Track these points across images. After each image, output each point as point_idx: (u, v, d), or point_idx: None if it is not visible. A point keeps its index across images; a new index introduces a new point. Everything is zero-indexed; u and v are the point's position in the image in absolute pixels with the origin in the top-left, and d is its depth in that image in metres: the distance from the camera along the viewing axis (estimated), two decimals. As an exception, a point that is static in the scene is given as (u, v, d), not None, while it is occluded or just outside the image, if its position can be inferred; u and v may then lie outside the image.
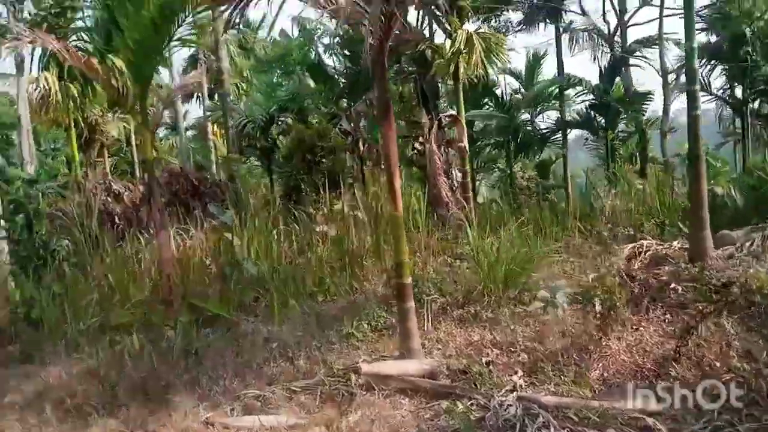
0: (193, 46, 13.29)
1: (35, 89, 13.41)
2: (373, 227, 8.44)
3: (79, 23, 14.71)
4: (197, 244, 8.74)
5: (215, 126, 22.38)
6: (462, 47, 8.96)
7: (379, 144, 14.57)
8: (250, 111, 16.34)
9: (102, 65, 7.46)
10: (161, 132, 35.10)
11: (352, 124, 12.20)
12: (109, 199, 11.33)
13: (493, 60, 10.09)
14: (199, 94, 28.52)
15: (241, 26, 27.06)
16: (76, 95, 14.20)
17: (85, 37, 15.86)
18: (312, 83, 15.76)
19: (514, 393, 4.34)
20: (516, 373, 4.73)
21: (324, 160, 10.46)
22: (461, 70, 9.91)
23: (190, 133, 41.39)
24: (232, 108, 15.49)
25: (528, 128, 15.83)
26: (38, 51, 14.17)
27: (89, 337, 6.71)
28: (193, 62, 23.86)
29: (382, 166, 14.46)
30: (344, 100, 14.45)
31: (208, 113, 18.18)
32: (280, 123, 16.34)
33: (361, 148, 13.54)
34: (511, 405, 4.04)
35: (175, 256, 7.82)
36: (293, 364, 5.55)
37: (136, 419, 4.86)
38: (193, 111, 38.42)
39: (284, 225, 9.23)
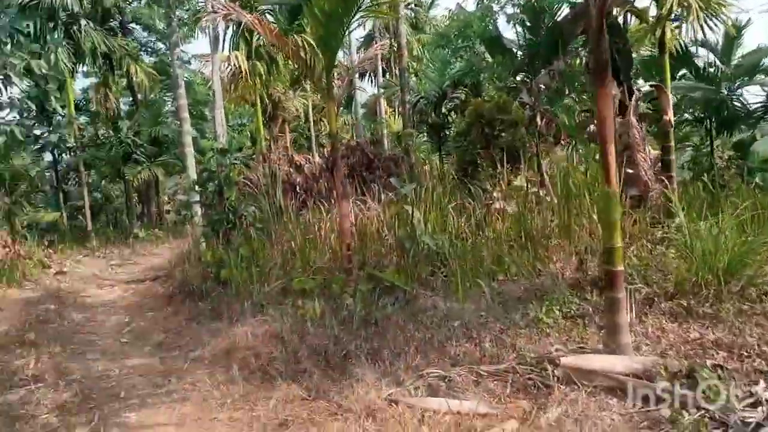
0: (372, 17, 13.29)
1: (226, 67, 14.35)
2: (562, 205, 7.73)
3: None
4: (374, 215, 8.67)
5: (385, 103, 22.64)
6: (675, 8, 7.82)
7: (557, 119, 13.61)
8: (421, 87, 16.20)
9: (290, 39, 7.55)
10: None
11: (532, 98, 11.42)
12: (291, 170, 11.74)
13: (713, 22, 8.74)
14: (371, 73, 29.13)
15: (414, 5, 27.01)
16: (263, 73, 15.00)
17: (270, 18, 16.77)
18: (489, 57, 15.15)
19: (761, 408, 3.54)
20: (756, 383, 3.89)
21: (503, 134, 9.88)
22: (668, 35, 8.73)
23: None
24: (408, 84, 15.41)
25: (735, 103, 13.81)
26: (230, 32, 15.19)
27: (273, 300, 6.87)
28: (368, 41, 24.32)
29: (562, 142, 13.56)
30: (523, 73, 13.65)
31: (382, 90, 18.27)
32: (452, 99, 15.99)
33: (539, 122, 12.71)
34: (762, 426, 3.27)
35: (353, 226, 7.79)
36: (478, 346, 5.13)
37: (318, 388, 4.76)
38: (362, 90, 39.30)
39: (459, 200, 8.86)
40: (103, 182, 30.46)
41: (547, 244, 7.42)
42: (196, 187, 9.37)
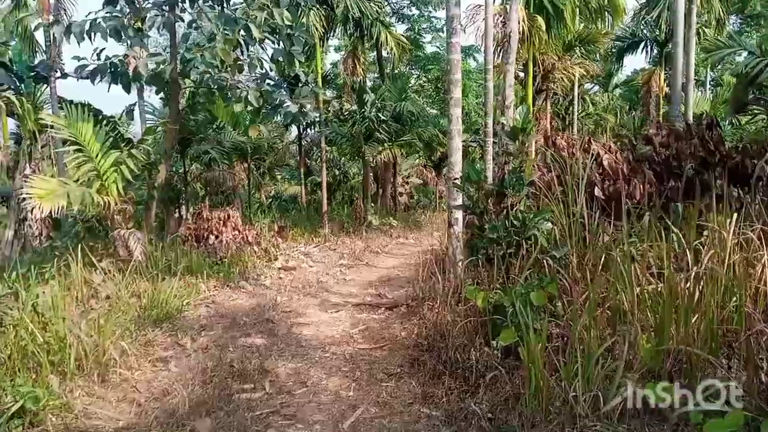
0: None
1: (496, 23, 11.12)
2: None
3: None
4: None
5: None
6: None
7: None
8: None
9: None
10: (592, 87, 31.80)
11: None
12: (587, 164, 8.10)
13: None
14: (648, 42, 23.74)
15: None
16: (542, 31, 11.47)
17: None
18: None
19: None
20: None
21: None
22: None
23: (617, 91, 37.05)
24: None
25: None
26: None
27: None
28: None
29: None
30: None
31: (704, 55, 13.42)
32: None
33: None
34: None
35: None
36: None
37: None
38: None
39: None
40: (343, 159, 29.89)
41: None
42: (466, 186, 6.22)
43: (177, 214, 14.14)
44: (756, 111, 11.49)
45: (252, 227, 12.81)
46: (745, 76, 11.29)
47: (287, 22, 10.38)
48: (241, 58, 11.53)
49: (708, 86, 30.76)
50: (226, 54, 10.63)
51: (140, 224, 11.08)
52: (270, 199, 29.05)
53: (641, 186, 7.68)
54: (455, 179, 6.84)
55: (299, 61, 12.30)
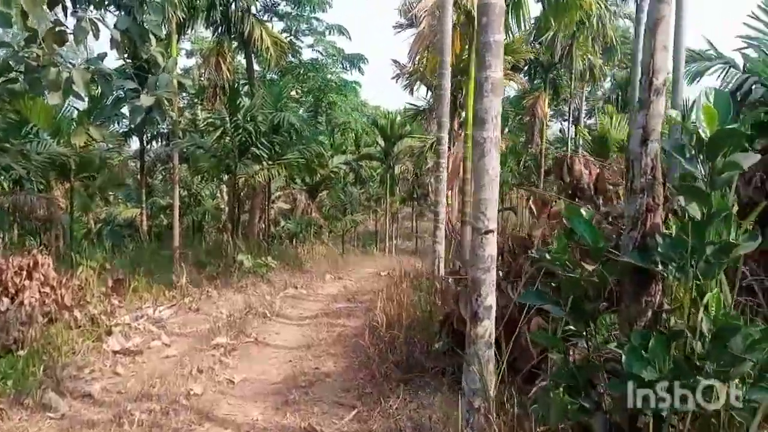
0: None
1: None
2: None
3: None
4: None
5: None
6: None
7: None
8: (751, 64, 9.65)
9: None
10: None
11: None
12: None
13: None
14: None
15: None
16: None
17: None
18: None
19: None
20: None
21: None
22: None
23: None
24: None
25: None
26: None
27: None
28: None
29: None
30: None
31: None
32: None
33: None
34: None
35: None
36: None
37: None
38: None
39: None
40: (195, 180, 25.47)
41: None
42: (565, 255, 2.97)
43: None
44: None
45: (72, 276, 8.59)
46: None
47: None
48: (65, 24, 7.41)
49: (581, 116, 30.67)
50: (40, 14, 6.54)
51: None
52: (100, 225, 23.77)
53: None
54: (488, 231, 3.63)
55: (157, 38, 8.43)
